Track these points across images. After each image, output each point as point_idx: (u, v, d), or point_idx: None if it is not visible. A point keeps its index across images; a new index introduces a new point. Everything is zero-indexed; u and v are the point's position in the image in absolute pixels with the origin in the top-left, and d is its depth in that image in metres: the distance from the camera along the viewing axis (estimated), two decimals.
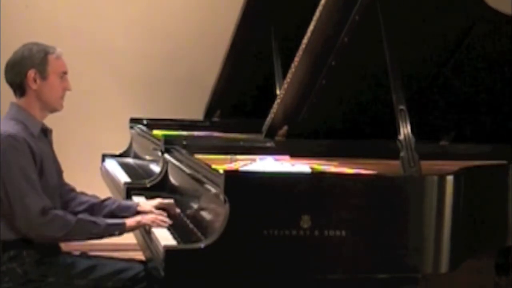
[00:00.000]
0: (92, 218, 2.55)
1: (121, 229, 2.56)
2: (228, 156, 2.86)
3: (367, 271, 2.30)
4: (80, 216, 2.54)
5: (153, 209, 2.69)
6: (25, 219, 2.42)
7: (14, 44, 2.67)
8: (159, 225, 2.57)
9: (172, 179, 3.02)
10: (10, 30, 4.47)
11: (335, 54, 2.89)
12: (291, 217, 2.21)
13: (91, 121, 4.81)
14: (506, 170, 2.72)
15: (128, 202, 2.85)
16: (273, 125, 3.14)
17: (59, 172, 2.71)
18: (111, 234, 2.55)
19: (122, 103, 4.80)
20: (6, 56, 2.63)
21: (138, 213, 2.68)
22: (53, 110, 2.64)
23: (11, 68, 2.58)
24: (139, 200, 2.90)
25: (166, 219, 2.61)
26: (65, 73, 2.63)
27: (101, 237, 2.54)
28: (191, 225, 2.61)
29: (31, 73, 2.55)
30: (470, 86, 3.16)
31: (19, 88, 2.58)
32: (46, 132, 2.66)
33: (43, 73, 2.56)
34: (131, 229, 2.60)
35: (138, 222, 2.58)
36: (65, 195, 2.74)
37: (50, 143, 2.69)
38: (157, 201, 2.76)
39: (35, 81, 2.56)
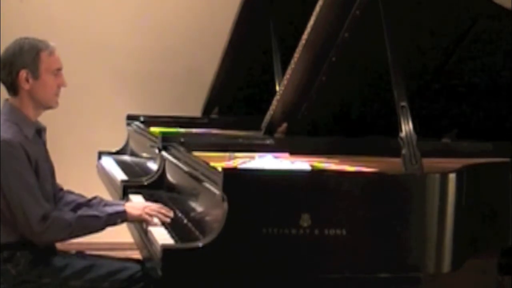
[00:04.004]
0: (92, 212, 2.52)
1: (123, 217, 2.53)
2: (227, 154, 2.84)
3: (368, 271, 2.27)
4: (80, 212, 2.50)
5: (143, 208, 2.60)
6: (27, 227, 2.39)
7: (8, 39, 2.61)
8: (163, 218, 2.52)
9: (170, 177, 3.00)
10: (3, 24, 4.42)
11: (335, 50, 2.88)
12: (291, 216, 2.19)
13: (87, 118, 4.78)
14: (509, 168, 2.69)
15: (114, 202, 2.82)
16: (272, 122, 3.12)
17: (51, 171, 2.66)
18: (114, 224, 2.52)
19: (119, 100, 4.78)
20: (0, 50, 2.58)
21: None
22: (48, 108, 2.58)
23: (2, 67, 2.51)
24: (134, 199, 2.86)
25: (169, 213, 2.56)
26: (59, 69, 2.55)
27: (104, 228, 2.50)
28: (189, 224, 2.58)
29: (23, 74, 2.48)
30: (473, 82, 3.14)
31: (11, 87, 2.52)
32: (40, 132, 2.61)
33: (35, 73, 2.49)
34: (133, 218, 2.55)
35: (140, 215, 2.52)
36: (55, 195, 2.69)
37: (44, 142, 2.64)
38: (144, 204, 2.64)
39: (27, 81, 2.49)
